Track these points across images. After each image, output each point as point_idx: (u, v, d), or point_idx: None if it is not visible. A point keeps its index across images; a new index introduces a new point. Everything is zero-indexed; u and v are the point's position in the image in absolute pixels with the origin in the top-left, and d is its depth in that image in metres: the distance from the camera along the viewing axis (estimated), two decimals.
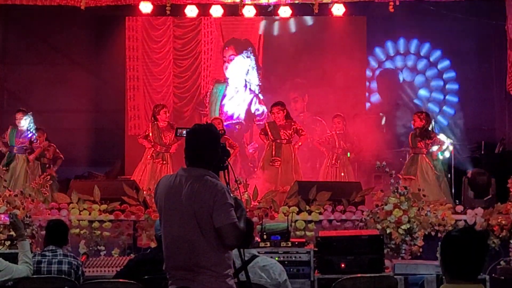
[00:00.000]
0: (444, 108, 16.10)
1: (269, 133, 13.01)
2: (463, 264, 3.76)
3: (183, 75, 16.02)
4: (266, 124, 13.32)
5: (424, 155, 12.46)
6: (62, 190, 12.57)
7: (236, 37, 16.19)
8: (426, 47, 16.10)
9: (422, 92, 16.24)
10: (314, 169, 14.52)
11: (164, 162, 13.00)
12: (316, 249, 8.57)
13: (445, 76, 16.19)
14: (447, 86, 16.16)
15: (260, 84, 16.15)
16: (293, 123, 13.05)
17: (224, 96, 16.18)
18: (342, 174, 13.30)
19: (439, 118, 15.79)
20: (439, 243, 3.90)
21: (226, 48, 16.20)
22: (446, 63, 16.06)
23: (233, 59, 16.24)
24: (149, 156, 13.06)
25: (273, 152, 12.88)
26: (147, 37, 15.99)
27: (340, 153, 13.40)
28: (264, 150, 13.21)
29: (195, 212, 4.71)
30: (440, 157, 12.76)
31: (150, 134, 13.09)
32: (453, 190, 12.54)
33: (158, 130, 13.09)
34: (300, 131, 13.08)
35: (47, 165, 13.44)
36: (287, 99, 14.53)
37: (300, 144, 13.14)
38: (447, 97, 16.12)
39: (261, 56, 16.11)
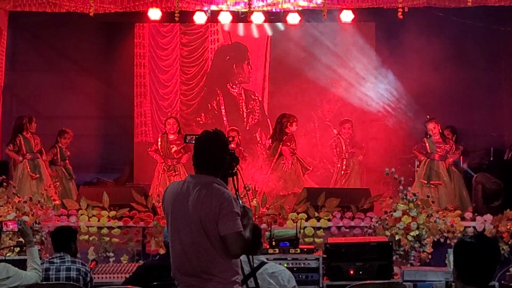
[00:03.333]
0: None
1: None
2: (476, 270, 3.75)
3: (190, 82, 15.98)
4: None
5: (440, 161, 12.49)
6: (71, 196, 12.63)
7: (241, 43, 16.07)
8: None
9: None
10: (325, 176, 14.48)
11: (176, 173, 12.99)
12: (325, 255, 8.58)
13: None
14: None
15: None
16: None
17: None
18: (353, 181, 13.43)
19: None
20: (448, 249, 3.90)
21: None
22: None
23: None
24: (161, 170, 13.09)
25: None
26: (154, 44, 15.93)
27: (347, 157, 13.51)
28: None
29: (201, 219, 4.72)
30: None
31: (159, 147, 13.13)
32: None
33: (167, 142, 13.10)
34: None
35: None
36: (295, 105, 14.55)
37: None
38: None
39: (269, 62, 16.05)
